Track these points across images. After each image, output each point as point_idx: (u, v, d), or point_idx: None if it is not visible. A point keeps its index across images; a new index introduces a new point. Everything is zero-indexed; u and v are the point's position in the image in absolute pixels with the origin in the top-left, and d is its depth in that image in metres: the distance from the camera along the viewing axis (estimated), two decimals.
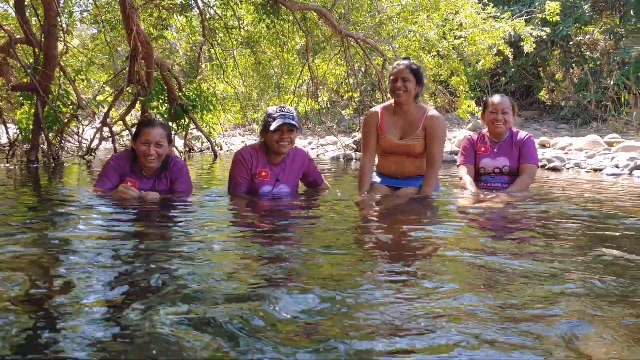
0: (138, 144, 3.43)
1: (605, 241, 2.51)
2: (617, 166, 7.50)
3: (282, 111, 3.60)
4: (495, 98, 4.30)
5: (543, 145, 10.67)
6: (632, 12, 13.85)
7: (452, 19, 9.59)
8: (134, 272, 1.82)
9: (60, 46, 7.61)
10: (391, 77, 3.89)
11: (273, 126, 3.54)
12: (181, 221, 2.91)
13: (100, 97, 8.93)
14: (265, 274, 1.84)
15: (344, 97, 13.34)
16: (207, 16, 9.29)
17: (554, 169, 8.13)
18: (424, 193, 3.84)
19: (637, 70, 12.86)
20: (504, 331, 1.36)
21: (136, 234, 2.53)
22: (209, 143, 9.68)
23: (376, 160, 4.23)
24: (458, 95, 10.04)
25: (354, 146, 10.60)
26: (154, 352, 1.21)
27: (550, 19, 10.26)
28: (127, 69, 7.45)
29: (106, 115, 8.35)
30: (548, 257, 2.15)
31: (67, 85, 7.66)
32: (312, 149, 12.76)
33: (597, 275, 1.87)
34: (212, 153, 9.74)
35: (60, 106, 7.29)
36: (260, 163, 3.73)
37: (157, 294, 1.58)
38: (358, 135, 10.73)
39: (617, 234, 2.73)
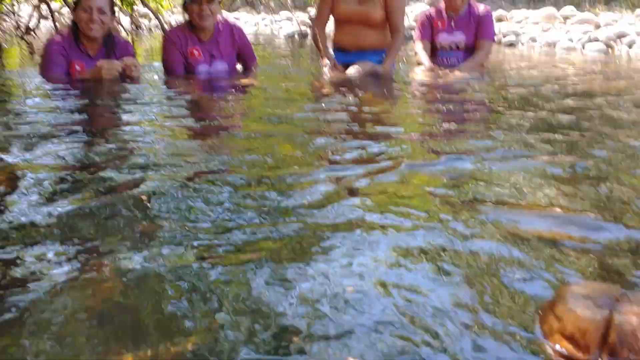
0: (79, 13, 3.20)
1: (545, 112, 2.59)
2: (570, 40, 7.55)
3: None
4: None
5: (499, 20, 10.58)
6: None
7: None
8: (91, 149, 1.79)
9: None
10: None
11: None
12: (136, 110, 2.81)
13: None
14: (203, 161, 1.84)
15: None
16: None
17: (510, 44, 8.14)
18: (384, 65, 3.81)
19: None
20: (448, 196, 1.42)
21: (90, 124, 2.46)
22: (157, 21, 9.21)
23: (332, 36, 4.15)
24: None
25: (310, 22, 10.27)
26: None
27: None
28: None
29: None
30: (496, 130, 2.21)
31: None
32: (266, 25, 12.33)
33: (532, 140, 1.95)
34: (162, 32, 9.30)
35: None
36: (190, 42, 3.56)
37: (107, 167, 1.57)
38: (313, 11, 10.36)
39: (565, 107, 2.81)
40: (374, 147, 1.92)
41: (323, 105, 2.87)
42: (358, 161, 1.76)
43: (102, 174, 1.59)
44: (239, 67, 3.86)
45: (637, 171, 1.68)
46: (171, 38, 3.57)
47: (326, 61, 3.93)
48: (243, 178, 1.56)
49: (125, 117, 2.47)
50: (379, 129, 2.28)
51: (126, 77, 3.33)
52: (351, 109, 2.72)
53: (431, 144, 2.02)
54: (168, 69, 3.62)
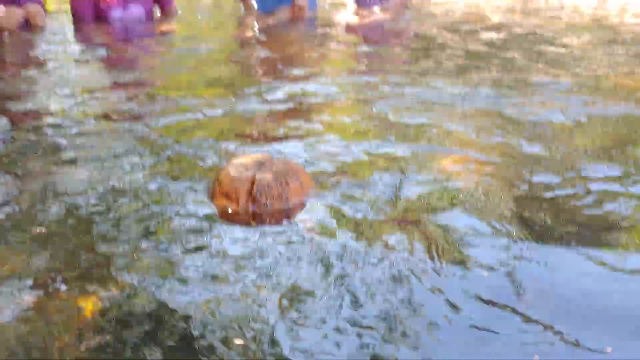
0: None
1: (473, 54, 2.65)
2: None
3: None
4: None
5: None
6: None
7: None
8: None
9: None
10: None
11: None
12: (46, 64, 2.61)
13: None
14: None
15: None
16: None
17: None
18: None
19: None
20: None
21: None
22: None
23: None
24: None
25: None
26: None
27: None
28: None
29: None
30: (412, 71, 2.25)
31: None
32: None
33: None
34: None
35: None
36: None
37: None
38: None
39: (483, 41, 2.88)
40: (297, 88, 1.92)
41: (245, 54, 2.82)
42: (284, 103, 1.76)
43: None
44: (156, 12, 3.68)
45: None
46: None
47: (249, 9, 3.81)
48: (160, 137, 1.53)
49: (30, 81, 2.24)
50: (299, 71, 2.27)
51: (30, 26, 3.11)
52: (274, 55, 2.68)
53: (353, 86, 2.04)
54: (76, 16, 3.38)
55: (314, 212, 1.02)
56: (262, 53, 2.76)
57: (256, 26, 3.56)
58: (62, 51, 2.78)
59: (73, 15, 3.40)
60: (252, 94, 1.94)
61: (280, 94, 1.92)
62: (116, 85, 2.13)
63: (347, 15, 3.96)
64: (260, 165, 1.04)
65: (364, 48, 2.90)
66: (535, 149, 1.40)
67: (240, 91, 1.97)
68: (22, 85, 2.13)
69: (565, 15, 4.11)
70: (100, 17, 3.37)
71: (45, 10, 3.24)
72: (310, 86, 2.03)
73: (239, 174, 1.01)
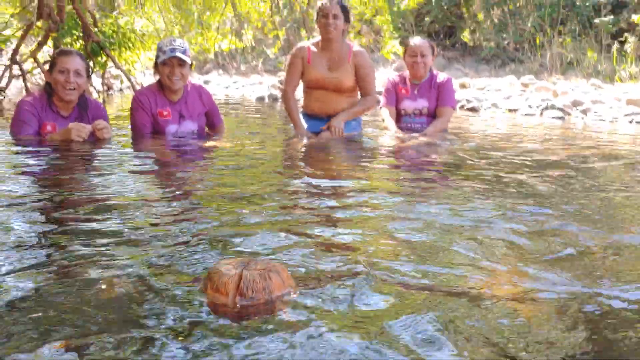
0: (55, 75, 3.25)
1: (510, 179, 2.70)
2: (530, 107, 7.88)
3: (173, 44, 3.48)
4: (415, 40, 4.37)
5: (463, 86, 11.00)
6: None
7: None
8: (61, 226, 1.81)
9: None
10: (321, 13, 3.89)
11: (161, 58, 3.44)
12: (105, 170, 2.85)
13: (7, 33, 8.32)
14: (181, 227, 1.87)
15: (270, 36, 13.08)
16: None
17: (473, 109, 8.44)
18: (335, 118, 3.92)
19: (552, 12, 13.32)
20: (418, 269, 1.47)
21: (59, 183, 2.47)
22: (129, 82, 9.31)
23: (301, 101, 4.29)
24: (382, 35, 10.09)
25: (280, 85, 10.52)
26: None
27: None
28: (36, 1, 6.97)
29: (15, 51, 7.81)
30: (460, 195, 2.30)
31: None
32: (237, 88, 12.56)
33: (502, 208, 2.03)
34: (133, 92, 9.39)
35: None
36: (159, 103, 3.62)
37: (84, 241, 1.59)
38: (283, 75, 10.63)
39: (522, 172, 2.93)
40: (339, 212, 1.98)
41: (289, 172, 2.94)
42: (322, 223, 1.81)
43: (68, 243, 1.60)
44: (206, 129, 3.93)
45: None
46: (140, 99, 3.62)
47: (299, 130, 4.03)
48: (207, 244, 1.59)
49: (92, 181, 2.48)
50: (346, 195, 2.34)
51: (97, 139, 3.36)
52: (317, 175, 2.79)
53: (395, 207, 2.09)
54: (136, 130, 3.65)
55: (294, 304, 1.18)
56: (303, 170, 2.87)
57: (302, 145, 3.74)
58: (120, 161, 2.97)
59: (133, 129, 3.67)
60: (283, 205, 2.01)
61: (308, 206, 1.98)
62: (158, 194, 2.25)
63: (388, 139, 4.12)
64: (246, 264, 1.26)
65: (403, 171, 2.99)
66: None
67: (272, 203, 2.05)
68: (78, 192, 2.27)
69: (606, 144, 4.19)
70: (158, 131, 3.63)
71: (109, 124, 3.49)
72: (341, 202, 2.09)
73: (228, 271, 1.22)
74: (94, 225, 1.74)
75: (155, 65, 3.55)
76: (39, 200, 2.06)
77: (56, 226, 1.72)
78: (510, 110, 8.11)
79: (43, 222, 1.77)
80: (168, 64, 3.44)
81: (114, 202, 2.05)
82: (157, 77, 3.64)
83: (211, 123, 3.95)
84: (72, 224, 1.76)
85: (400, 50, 9.80)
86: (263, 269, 1.23)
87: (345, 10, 3.90)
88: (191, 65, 3.55)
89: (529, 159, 3.40)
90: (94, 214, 1.87)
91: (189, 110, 3.72)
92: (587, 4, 12.79)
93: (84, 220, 1.79)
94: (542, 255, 1.57)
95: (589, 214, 2.03)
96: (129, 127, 3.74)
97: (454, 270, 1.44)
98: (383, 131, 4.42)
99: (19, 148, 3.14)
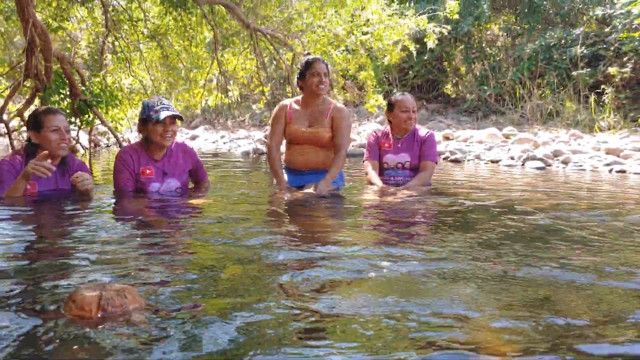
0: (46, 134, 3.27)
1: (492, 231, 2.72)
2: (512, 158, 8.02)
3: (163, 103, 3.57)
4: (406, 97, 4.49)
5: (447, 138, 11.18)
6: (525, 11, 14.74)
7: (359, 15, 9.82)
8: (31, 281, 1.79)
9: None
10: (313, 72, 4.00)
11: (162, 116, 3.49)
12: (84, 227, 2.84)
13: None
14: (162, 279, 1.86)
15: (255, 92, 13.31)
16: (111, 8, 8.95)
17: (456, 161, 8.57)
18: (320, 184, 3.93)
19: (531, 66, 13.73)
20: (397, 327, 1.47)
21: (35, 240, 2.46)
22: (115, 138, 9.37)
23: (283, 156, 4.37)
24: (366, 89, 10.31)
25: (266, 140, 10.63)
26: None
27: (451, 17, 10.75)
28: (24, 62, 7.07)
29: (1, 110, 7.86)
30: (440, 249, 2.31)
31: None
32: (225, 143, 12.67)
33: (484, 261, 2.05)
34: (119, 149, 9.44)
35: None
36: (142, 161, 3.66)
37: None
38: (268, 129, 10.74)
39: (508, 223, 2.96)
40: (323, 270, 1.98)
41: (273, 228, 2.95)
42: (312, 285, 1.81)
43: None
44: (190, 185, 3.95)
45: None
46: (123, 158, 3.65)
47: (281, 184, 4.08)
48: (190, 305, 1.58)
49: (69, 239, 2.47)
50: (331, 248, 2.35)
51: (78, 190, 3.37)
52: (301, 230, 2.80)
53: (380, 262, 2.10)
54: (119, 188, 3.66)
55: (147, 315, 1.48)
56: (286, 227, 2.88)
57: (284, 200, 3.76)
58: (101, 221, 2.97)
59: (116, 186, 3.68)
60: (263, 260, 2.01)
61: (289, 262, 1.98)
62: (138, 251, 2.24)
63: (372, 192, 4.16)
64: (103, 287, 1.52)
65: (387, 225, 3.01)
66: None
67: (252, 257, 2.04)
68: (58, 256, 2.26)
69: (585, 192, 4.25)
70: (141, 188, 3.64)
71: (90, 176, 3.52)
72: (324, 258, 2.10)
73: (89, 293, 1.48)
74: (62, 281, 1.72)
75: (143, 123, 3.58)
76: (12, 258, 2.04)
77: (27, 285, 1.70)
78: (492, 162, 8.25)
79: (16, 282, 1.75)
80: (161, 122, 3.49)
81: (89, 261, 2.04)
82: (141, 135, 3.67)
83: (196, 179, 3.99)
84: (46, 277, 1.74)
85: (383, 103, 10.00)
86: (119, 290, 1.51)
87: (328, 69, 4.07)
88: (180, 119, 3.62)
89: (513, 209, 3.45)
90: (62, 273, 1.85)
91: (172, 168, 3.75)
92: (564, 58, 13.21)
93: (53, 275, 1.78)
94: (524, 306, 1.57)
95: (574, 263, 2.05)
96: (107, 185, 3.75)
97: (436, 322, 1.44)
98: (366, 185, 4.47)
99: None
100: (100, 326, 1.39)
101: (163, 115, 3.49)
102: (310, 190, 3.89)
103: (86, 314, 1.43)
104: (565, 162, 7.38)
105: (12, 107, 9.09)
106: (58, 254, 2.23)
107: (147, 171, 3.64)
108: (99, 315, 1.44)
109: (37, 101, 7.90)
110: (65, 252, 2.27)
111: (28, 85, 7.70)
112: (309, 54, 4.25)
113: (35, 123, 3.35)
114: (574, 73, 12.69)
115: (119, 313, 1.45)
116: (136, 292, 1.55)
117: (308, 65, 4.04)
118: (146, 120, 3.54)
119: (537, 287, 1.79)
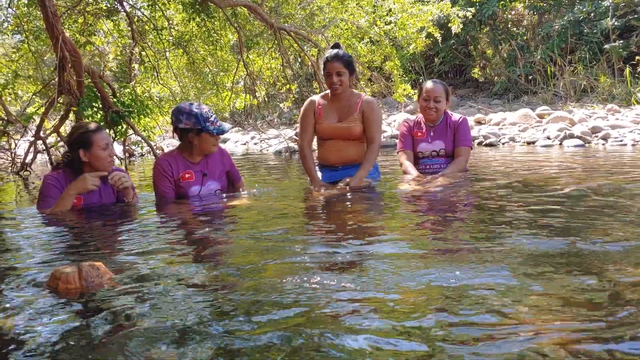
0: (97, 151, 3.35)
1: (535, 213, 2.66)
2: (548, 137, 7.84)
3: (213, 115, 3.66)
4: (429, 84, 4.40)
5: (479, 122, 11.00)
6: None
7: (381, 5, 9.73)
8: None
9: None
10: (326, 72, 3.97)
11: (227, 129, 3.68)
12: (128, 235, 2.88)
13: (30, 110, 8.61)
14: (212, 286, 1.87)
15: (282, 90, 13.33)
16: (135, 19, 9.07)
17: (490, 145, 8.42)
18: (355, 177, 3.91)
19: (561, 43, 13.40)
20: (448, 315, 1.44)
21: (83, 251, 2.50)
22: (149, 147, 9.50)
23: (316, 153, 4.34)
24: (393, 79, 10.21)
25: (296, 138, 10.63)
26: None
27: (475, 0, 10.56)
28: (56, 79, 7.22)
29: (39, 128, 8.07)
30: (486, 236, 2.27)
31: None
32: (255, 144, 12.72)
33: (528, 243, 2.00)
34: (154, 157, 9.57)
35: None
36: (181, 166, 3.70)
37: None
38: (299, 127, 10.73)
39: (545, 205, 2.89)
40: (365, 266, 1.96)
41: (310, 225, 2.94)
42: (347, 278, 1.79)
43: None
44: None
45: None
46: (162, 166, 3.68)
47: (314, 182, 4.07)
48: (235, 305, 1.58)
49: (115, 246, 2.51)
50: (370, 244, 2.33)
51: (119, 190, 3.51)
52: (338, 225, 2.78)
53: (421, 255, 2.06)
54: (160, 196, 3.70)
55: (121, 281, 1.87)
56: (326, 224, 2.87)
57: (321, 196, 3.75)
58: (144, 225, 3.01)
59: (156, 193, 3.72)
60: (298, 258, 2.00)
61: (328, 259, 1.97)
62: (191, 257, 2.25)
63: (408, 182, 4.11)
64: (78, 264, 1.87)
65: (423, 217, 2.97)
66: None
67: (287, 259, 2.04)
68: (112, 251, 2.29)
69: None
70: (182, 193, 3.68)
71: (134, 189, 3.59)
72: (360, 253, 2.07)
73: (71, 269, 1.84)
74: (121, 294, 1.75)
75: (190, 132, 3.61)
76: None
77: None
78: (528, 143, 8.08)
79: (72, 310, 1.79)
80: (214, 134, 3.62)
81: (139, 268, 2.06)
82: (181, 142, 3.71)
83: (231, 181, 4.02)
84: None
85: (412, 91, 9.90)
86: (91, 264, 1.86)
87: (348, 65, 3.95)
88: None
89: (552, 193, 3.36)
90: (120, 283, 1.88)
91: (211, 170, 3.78)
92: (594, 31, 12.86)
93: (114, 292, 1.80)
94: (574, 293, 1.53)
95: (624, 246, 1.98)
96: (147, 192, 3.80)
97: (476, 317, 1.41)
98: (402, 175, 4.41)
99: (43, 221, 3.21)
100: (88, 293, 1.74)
101: (227, 128, 3.68)
102: (345, 185, 3.86)
103: (72, 286, 1.78)
104: (604, 138, 7.19)
105: (48, 123, 9.31)
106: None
107: (187, 175, 3.68)
108: (84, 285, 1.78)
109: (71, 116, 8.06)
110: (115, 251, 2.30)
111: (61, 101, 7.86)
112: (337, 43, 4.16)
113: (85, 142, 3.38)
114: (607, 46, 12.35)
115: (97, 282, 1.81)
116: (104, 266, 1.89)
117: (324, 65, 4.02)
118: (200, 130, 3.56)
119: (599, 263, 1.73)
